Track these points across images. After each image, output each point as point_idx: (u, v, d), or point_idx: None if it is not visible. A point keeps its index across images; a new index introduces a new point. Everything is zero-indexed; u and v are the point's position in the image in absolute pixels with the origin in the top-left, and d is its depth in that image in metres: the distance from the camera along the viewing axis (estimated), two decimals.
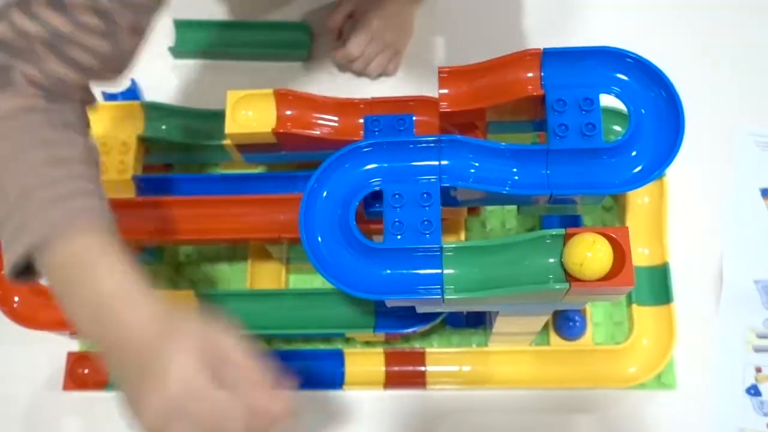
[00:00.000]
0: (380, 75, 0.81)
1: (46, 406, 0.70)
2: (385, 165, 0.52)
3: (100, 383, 0.70)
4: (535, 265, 0.47)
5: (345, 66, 0.81)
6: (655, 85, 0.52)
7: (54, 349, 0.71)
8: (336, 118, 0.64)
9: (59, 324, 0.62)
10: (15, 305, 0.61)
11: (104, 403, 0.70)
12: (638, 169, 0.51)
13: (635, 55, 0.51)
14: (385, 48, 0.79)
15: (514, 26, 0.82)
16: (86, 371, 0.70)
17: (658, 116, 0.52)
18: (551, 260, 0.47)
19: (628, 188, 0.51)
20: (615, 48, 0.52)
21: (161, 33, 0.84)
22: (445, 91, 0.55)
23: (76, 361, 0.70)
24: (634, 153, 0.51)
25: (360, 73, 0.81)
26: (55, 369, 0.71)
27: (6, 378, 0.72)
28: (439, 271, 0.49)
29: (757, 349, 0.67)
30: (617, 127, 0.68)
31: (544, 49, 0.52)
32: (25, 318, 0.61)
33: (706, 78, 0.77)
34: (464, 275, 0.48)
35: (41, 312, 0.62)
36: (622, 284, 0.45)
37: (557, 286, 0.46)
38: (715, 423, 0.65)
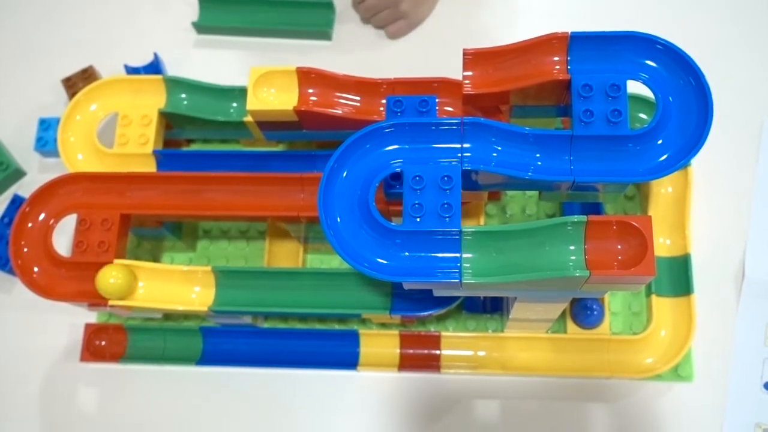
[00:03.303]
0: (381, 28, 0.81)
1: (63, 377, 0.71)
2: (407, 146, 0.51)
3: (117, 355, 0.70)
4: (555, 252, 0.47)
5: (356, 8, 0.82)
6: (684, 73, 0.51)
7: (72, 320, 0.72)
8: (358, 98, 0.63)
9: (78, 295, 0.62)
10: (34, 276, 0.62)
11: (120, 375, 0.71)
12: (664, 157, 0.50)
13: (665, 41, 0.50)
14: (393, 7, 0.79)
15: (539, 8, 0.81)
16: (103, 343, 0.71)
17: (686, 105, 0.51)
18: (571, 247, 0.47)
19: (652, 177, 0.50)
20: (644, 33, 0.51)
21: (185, 8, 0.84)
22: (469, 73, 0.54)
23: (93, 333, 0.71)
24: (660, 141, 0.50)
25: (365, 22, 0.82)
26: (73, 340, 0.72)
27: (25, 347, 0.73)
28: (457, 254, 0.48)
29: None
30: (643, 115, 0.67)
31: (572, 32, 0.52)
32: (44, 289, 0.61)
33: (735, 68, 0.75)
34: (483, 260, 0.48)
35: (60, 283, 0.62)
36: (642, 274, 0.44)
37: (577, 274, 0.45)
38: (731, 417, 0.65)
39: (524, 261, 0.47)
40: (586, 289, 0.48)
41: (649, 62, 0.51)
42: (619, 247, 0.46)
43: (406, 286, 0.51)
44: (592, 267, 0.46)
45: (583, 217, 0.46)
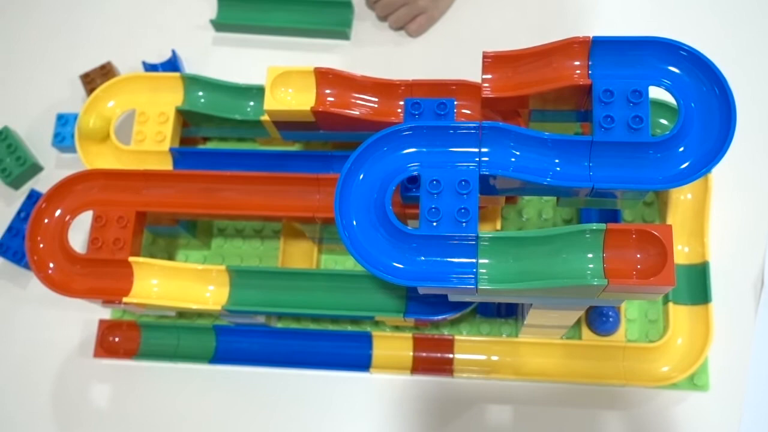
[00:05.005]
0: (400, 29, 0.81)
1: (76, 372, 0.71)
2: (424, 150, 0.51)
3: (130, 352, 0.70)
4: (573, 260, 0.46)
5: (371, 7, 0.82)
6: (708, 80, 0.50)
7: (87, 315, 0.72)
8: (376, 99, 0.63)
9: (92, 292, 0.62)
10: (50, 272, 0.62)
11: (133, 371, 0.71)
12: (685, 165, 0.50)
13: (689, 47, 0.50)
14: (411, 3, 0.78)
15: (560, 12, 0.81)
16: (117, 339, 0.71)
17: (709, 112, 0.50)
18: (590, 255, 0.46)
19: (673, 185, 0.49)
20: (668, 39, 0.50)
21: (204, 5, 0.84)
22: (488, 76, 0.54)
23: (107, 329, 0.71)
24: (681, 149, 0.50)
25: (381, 20, 0.81)
26: (87, 336, 0.72)
27: (39, 342, 0.73)
28: (474, 260, 0.48)
29: None
30: (664, 120, 0.66)
31: (594, 37, 0.51)
32: (58, 285, 0.61)
33: (757, 74, 0.74)
34: (499, 266, 0.48)
35: (75, 280, 0.62)
36: (662, 283, 0.44)
37: (594, 282, 0.45)
38: (746, 428, 0.64)
39: (541, 268, 0.47)
40: (603, 297, 0.48)
41: (671, 68, 0.51)
42: (638, 256, 0.46)
43: (422, 291, 0.51)
44: (610, 276, 0.45)
45: (602, 225, 0.46)
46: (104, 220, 0.62)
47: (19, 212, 0.75)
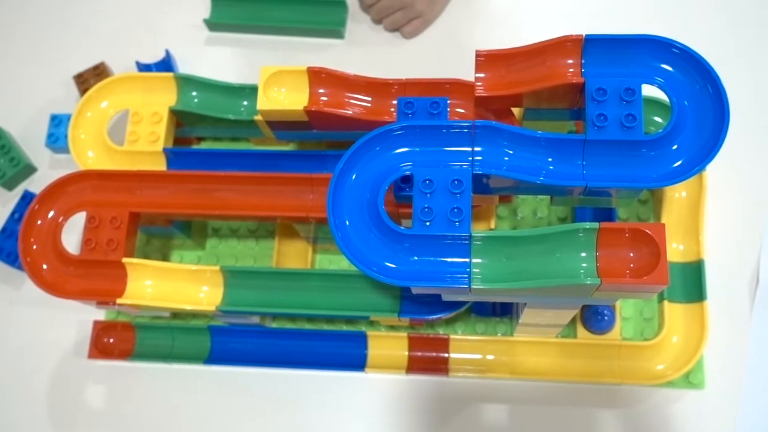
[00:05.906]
0: (395, 30, 0.81)
1: (71, 374, 0.71)
2: (417, 149, 0.50)
3: (125, 353, 0.70)
4: (566, 259, 0.46)
5: (366, 10, 0.82)
6: (701, 77, 0.50)
7: (81, 316, 0.72)
8: (369, 99, 0.63)
9: (86, 293, 0.62)
10: (43, 273, 0.62)
11: (128, 372, 0.71)
12: (678, 163, 0.50)
13: (682, 45, 0.50)
14: (405, 7, 0.78)
15: (554, 9, 0.80)
16: (111, 340, 0.71)
17: (702, 109, 0.50)
18: (583, 254, 0.46)
19: (666, 183, 0.49)
20: (660, 37, 0.50)
21: (197, 5, 0.84)
22: (481, 74, 0.54)
23: (101, 330, 0.71)
24: (674, 147, 0.50)
25: (376, 23, 0.81)
26: (82, 337, 0.72)
27: (34, 343, 0.73)
28: (467, 260, 0.48)
29: None
30: (657, 118, 0.66)
31: (586, 35, 0.51)
32: (52, 286, 0.61)
33: (750, 71, 0.74)
34: (493, 265, 0.47)
35: (69, 281, 0.62)
36: (655, 282, 0.44)
37: (587, 282, 0.45)
38: (742, 426, 0.64)
39: (534, 267, 0.47)
40: (597, 296, 0.48)
41: (665, 66, 0.51)
42: (631, 254, 0.45)
43: (415, 291, 0.51)
44: (603, 275, 0.45)
45: (595, 224, 0.46)
46: (98, 221, 0.62)
47: (12, 213, 0.75)
